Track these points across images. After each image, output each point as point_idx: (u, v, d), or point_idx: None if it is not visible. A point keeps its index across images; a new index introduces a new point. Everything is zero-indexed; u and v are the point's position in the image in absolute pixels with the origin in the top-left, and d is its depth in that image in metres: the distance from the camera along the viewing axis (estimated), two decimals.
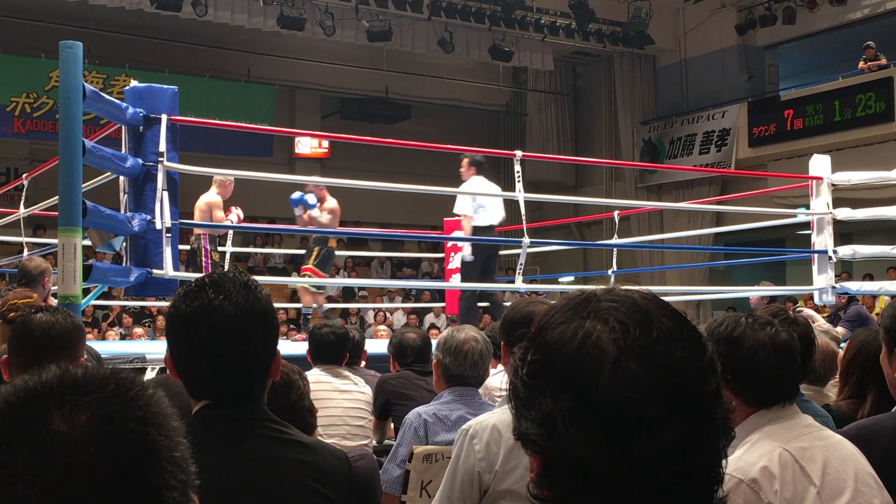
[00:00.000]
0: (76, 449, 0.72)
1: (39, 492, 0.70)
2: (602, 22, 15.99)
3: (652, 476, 0.86)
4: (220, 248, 7.80)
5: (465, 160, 7.74)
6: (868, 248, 8.26)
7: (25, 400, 0.75)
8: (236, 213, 7.61)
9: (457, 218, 9.46)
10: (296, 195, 7.94)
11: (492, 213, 7.58)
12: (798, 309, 7.59)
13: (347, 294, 15.52)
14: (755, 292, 10.82)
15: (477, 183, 7.61)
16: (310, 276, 8.02)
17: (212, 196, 7.45)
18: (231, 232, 9.02)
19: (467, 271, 7.71)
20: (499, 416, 2.34)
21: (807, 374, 2.73)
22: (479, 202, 7.53)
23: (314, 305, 8.51)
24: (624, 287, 0.96)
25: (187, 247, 7.49)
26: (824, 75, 15.63)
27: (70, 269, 4.34)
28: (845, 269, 13.25)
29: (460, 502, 2.32)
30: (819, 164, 7.86)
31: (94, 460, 0.72)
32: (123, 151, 5.28)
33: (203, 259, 7.46)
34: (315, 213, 7.90)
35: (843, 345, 4.33)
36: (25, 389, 0.76)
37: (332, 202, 8.04)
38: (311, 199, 7.88)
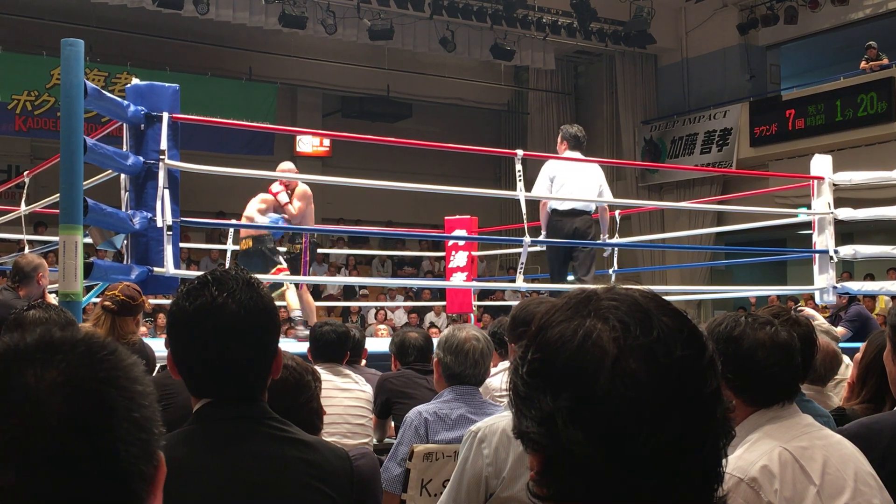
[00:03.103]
0: (39, 402, 0.78)
1: (2, 437, 0.77)
2: (604, 21, 15.98)
3: (652, 475, 0.86)
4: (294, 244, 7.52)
5: (560, 134, 6.99)
6: (869, 249, 8.26)
7: (3, 355, 0.83)
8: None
9: (458, 217, 9.45)
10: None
11: (573, 194, 6.77)
12: (799, 308, 7.57)
13: (348, 293, 15.52)
14: (755, 292, 10.83)
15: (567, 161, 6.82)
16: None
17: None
18: (232, 230, 9.02)
19: (551, 266, 7.01)
20: (508, 420, 2.33)
21: (808, 375, 2.72)
22: (557, 181, 6.77)
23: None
24: (624, 286, 0.96)
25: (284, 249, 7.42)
26: (826, 75, 15.62)
27: (71, 266, 4.34)
28: (846, 269, 13.24)
29: None
30: (820, 164, 7.85)
31: (54, 414, 0.78)
32: (125, 149, 5.28)
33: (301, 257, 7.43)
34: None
35: (842, 345, 4.34)
36: (6, 346, 0.84)
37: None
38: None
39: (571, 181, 6.84)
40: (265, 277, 7.10)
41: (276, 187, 7.35)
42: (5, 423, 0.78)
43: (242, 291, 1.61)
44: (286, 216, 7.27)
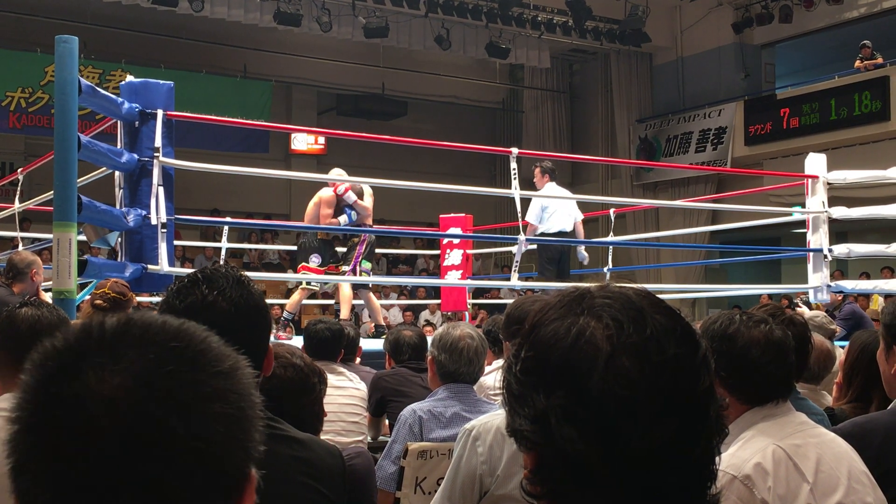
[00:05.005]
0: (84, 416, 0.69)
1: (45, 447, 0.69)
2: (599, 20, 15.99)
3: (645, 473, 0.86)
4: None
5: (538, 168, 7.87)
6: (863, 247, 8.28)
7: (62, 351, 0.73)
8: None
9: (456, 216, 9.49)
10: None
11: (560, 218, 7.71)
12: (804, 301, 7.62)
13: None
14: (750, 291, 10.82)
15: (550, 191, 7.74)
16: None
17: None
18: (226, 228, 9.01)
19: (542, 270, 8.10)
20: (502, 418, 2.32)
21: (803, 374, 2.71)
22: (549, 209, 7.68)
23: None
24: (618, 284, 0.96)
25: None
26: (820, 74, 15.65)
27: (65, 264, 4.33)
28: (840, 268, 13.27)
29: (461, 502, 2.32)
30: (815, 163, 7.87)
31: (97, 433, 0.68)
32: (119, 147, 5.28)
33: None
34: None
35: (838, 342, 4.34)
36: (67, 340, 0.73)
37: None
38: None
39: (560, 209, 7.75)
40: (269, 276, 7.13)
41: (339, 189, 7.48)
42: (49, 434, 0.68)
43: (233, 289, 1.60)
44: (365, 213, 7.80)
